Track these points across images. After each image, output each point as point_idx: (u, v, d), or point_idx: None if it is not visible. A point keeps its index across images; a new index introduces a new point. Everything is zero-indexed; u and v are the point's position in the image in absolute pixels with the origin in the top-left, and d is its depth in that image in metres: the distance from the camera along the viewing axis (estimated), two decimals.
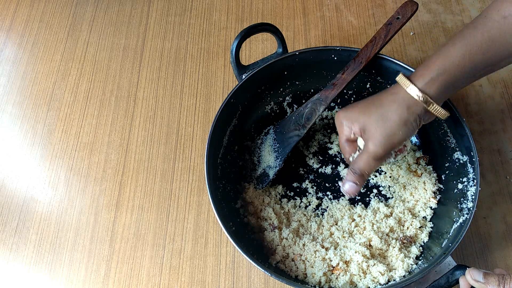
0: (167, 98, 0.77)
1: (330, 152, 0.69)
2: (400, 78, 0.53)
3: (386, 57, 0.62)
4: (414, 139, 0.68)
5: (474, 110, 0.72)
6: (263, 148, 0.66)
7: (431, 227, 0.60)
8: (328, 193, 0.66)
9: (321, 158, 0.68)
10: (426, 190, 0.62)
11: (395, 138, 0.52)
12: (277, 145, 0.65)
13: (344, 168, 0.67)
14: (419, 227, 0.60)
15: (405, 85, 0.52)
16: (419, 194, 0.63)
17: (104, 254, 0.65)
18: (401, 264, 0.56)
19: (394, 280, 0.55)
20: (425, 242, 0.60)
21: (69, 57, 0.82)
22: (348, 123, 0.55)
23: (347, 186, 0.54)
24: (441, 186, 0.63)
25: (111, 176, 0.71)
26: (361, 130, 0.54)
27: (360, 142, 0.56)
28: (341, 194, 0.65)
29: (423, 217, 0.61)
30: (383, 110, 0.52)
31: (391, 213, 0.62)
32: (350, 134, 0.55)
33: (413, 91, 0.51)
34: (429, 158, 0.65)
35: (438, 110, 0.52)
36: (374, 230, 0.60)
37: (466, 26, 0.51)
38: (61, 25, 0.86)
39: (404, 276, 0.55)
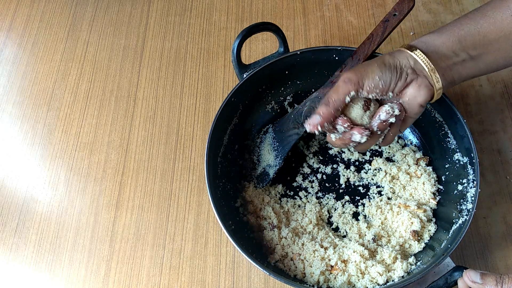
0: (167, 98, 0.77)
1: (331, 152, 0.69)
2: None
3: None
4: (414, 140, 0.68)
5: (474, 110, 0.72)
6: (263, 147, 0.66)
7: (430, 228, 0.60)
8: (328, 192, 0.66)
9: (321, 158, 0.68)
10: (426, 191, 0.62)
11: (368, 67, 0.50)
12: (277, 144, 0.65)
13: (344, 168, 0.67)
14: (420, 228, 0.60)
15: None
16: (418, 195, 0.63)
17: (104, 254, 0.65)
18: (400, 264, 0.56)
19: (393, 281, 0.55)
20: (424, 243, 0.59)
21: (69, 57, 0.82)
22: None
23: (311, 119, 0.50)
24: (441, 187, 0.63)
25: (111, 176, 0.71)
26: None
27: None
28: (341, 193, 0.65)
29: (423, 218, 0.61)
30: None
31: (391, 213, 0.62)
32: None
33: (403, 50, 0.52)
34: (429, 159, 0.65)
35: (420, 56, 0.51)
36: (374, 230, 0.60)
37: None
38: (61, 25, 0.86)
39: (402, 276, 0.55)
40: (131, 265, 0.64)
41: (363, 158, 0.68)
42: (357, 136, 0.50)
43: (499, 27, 0.50)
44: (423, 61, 0.50)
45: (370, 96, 0.50)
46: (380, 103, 0.53)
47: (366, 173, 0.66)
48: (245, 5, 0.85)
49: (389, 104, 0.51)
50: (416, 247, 0.59)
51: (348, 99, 0.49)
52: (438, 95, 0.52)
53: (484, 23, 0.51)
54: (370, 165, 0.67)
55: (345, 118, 0.50)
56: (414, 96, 0.51)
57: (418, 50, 0.51)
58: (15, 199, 0.70)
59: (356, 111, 0.51)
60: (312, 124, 0.49)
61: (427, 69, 0.50)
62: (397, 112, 0.50)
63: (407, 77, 0.51)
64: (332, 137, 0.52)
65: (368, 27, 0.81)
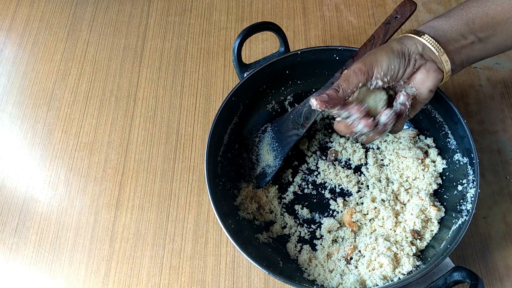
0: (167, 98, 0.77)
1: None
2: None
3: None
4: None
5: (474, 110, 0.72)
6: (261, 146, 0.66)
7: (433, 229, 0.60)
8: (328, 191, 0.66)
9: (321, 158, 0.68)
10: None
11: (377, 55, 0.50)
12: (276, 144, 0.65)
13: (345, 168, 0.67)
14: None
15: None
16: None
17: (104, 254, 0.65)
18: (407, 260, 0.56)
19: (403, 274, 0.55)
20: (426, 242, 0.59)
21: (69, 57, 0.82)
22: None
23: (319, 96, 0.50)
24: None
25: (111, 176, 0.71)
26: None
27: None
28: (343, 192, 0.65)
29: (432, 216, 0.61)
30: None
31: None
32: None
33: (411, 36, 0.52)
34: None
35: (429, 41, 0.51)
36: (380, 231, 0.60)
37: None
38: (61, 25, 0.86)
39: (411, 271, 0.55)
40: (131, 265, 0.64)
41: (360, 161, 0.67)
42: (362, 127, 0.50)
43: (507, 9, 0.50)
44: (432, 46, 0.51)
45: (379, 85, 0.50)
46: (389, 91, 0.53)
47: (365, 173, 0.66)
48: (245, 5, 0.85)
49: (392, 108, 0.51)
50: (418, 245, 0.58)
51: (356, 90, 0.49)
52: (447, 78, 0.53)
53: (491, 5, 0.51)
54: (368, 170, 0.66)
55: (361, 108, 0.50)
56: (423, 81, 0.51)
57: (426, 35, 0.51)
58: (15, 199, 0.70)
59: (374, 100, 0.51)
60: (318, 100, 0.48)
61: (436, 53, 0.51)
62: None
63: (415, 63, 0.51)
64: (341, 126, 0.52)
65: (368, 27, 0.81)
